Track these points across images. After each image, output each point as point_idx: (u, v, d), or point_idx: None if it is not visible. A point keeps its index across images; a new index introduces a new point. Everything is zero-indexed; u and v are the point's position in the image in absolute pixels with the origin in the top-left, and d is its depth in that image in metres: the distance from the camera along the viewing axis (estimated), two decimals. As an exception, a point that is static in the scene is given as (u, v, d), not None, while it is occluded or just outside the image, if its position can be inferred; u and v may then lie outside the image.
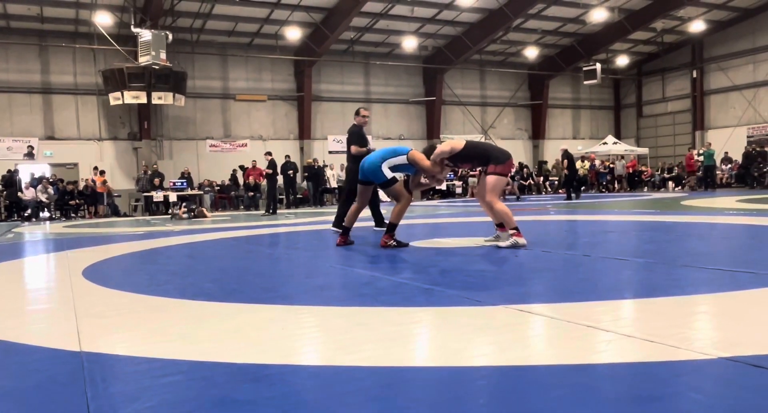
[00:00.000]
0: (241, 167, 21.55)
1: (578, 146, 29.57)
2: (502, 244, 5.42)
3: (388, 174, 5.88)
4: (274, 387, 1.89)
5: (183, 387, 1.92)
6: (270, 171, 16.21)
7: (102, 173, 19.72)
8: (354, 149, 7.77)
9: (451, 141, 5.88)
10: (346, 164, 8.67)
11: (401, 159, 5.91)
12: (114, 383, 2.01)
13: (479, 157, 5.71)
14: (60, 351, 2.46)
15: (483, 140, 26.72)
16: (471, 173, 25.17)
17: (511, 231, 5.43)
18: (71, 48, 21.26)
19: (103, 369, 2.19)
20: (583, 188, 23.30)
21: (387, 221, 5.93)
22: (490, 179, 5.58)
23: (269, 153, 16.86)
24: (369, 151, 7.43)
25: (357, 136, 7.90)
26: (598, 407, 1.62)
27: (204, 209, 16.32)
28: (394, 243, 5.74)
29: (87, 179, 19.73)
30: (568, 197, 16.61)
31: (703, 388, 1.75)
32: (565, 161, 17.05)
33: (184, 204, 16.30)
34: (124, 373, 2.17)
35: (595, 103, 32.53)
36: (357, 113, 8.00)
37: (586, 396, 1.70)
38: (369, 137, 7.93)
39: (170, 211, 16.81)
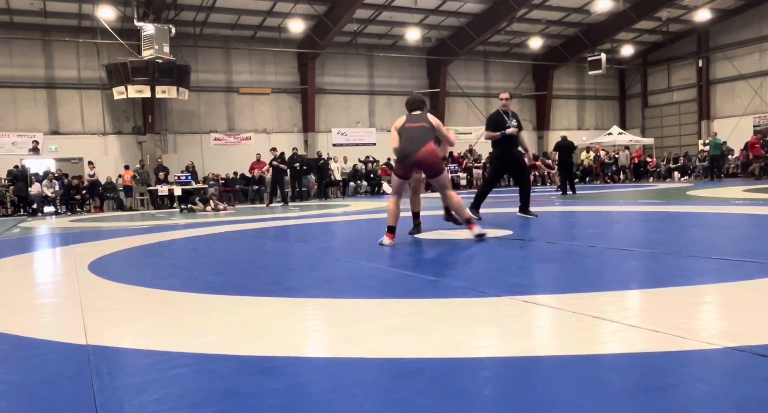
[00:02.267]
0: (238, 177, 21.91)
1: (583, 136, 29.46)
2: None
3: None
4: (279, 380, 1.89)
5: (188, 380, 1.93)
6: (283, 165, 16.71)
7: (127, 168, 20.51)
8: (485, 134, 7.80)
9: (397, 122, 5.55)
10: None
11: None
12: (120, 376, 2.02)
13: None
14: (66, 345, 2.47)
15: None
16: (476, 164, 25.12)
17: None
18: (75, 43, 21.26)
19: (109, 362, 2.20)
20: (586, 179, 23.16)
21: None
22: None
23: (275, 149, 17.14)
24: (504, 134, 7.42)
25: (489, 122, 7.82)
26: (604, 397, 1.62)
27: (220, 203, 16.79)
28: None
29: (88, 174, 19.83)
30: (563, 191, 14.82)
31: (709, 378, 1.74)
32: (554, 152, 16.28)
33: (197, 199, 16.78)
34: (130, 366, 2.18)
35: (600, 93, 32.36)
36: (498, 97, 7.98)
37: (591, 386, 1.70)
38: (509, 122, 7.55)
39: (181, 205, 17.03)
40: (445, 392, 1.73)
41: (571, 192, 14.74)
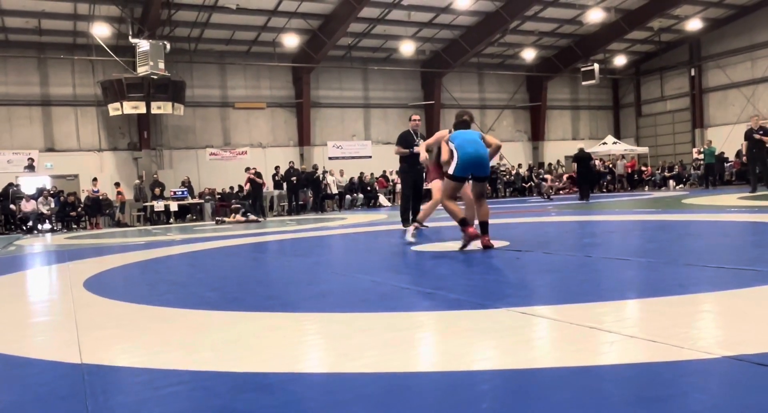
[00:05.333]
0: (235, 192, 22.19)
1: (578, 146, 29.57)
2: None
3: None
4: (275, 396, 1.87)
5: (184, 398, 1.91)
6: (260, 180, 17.30)
7: (117, 184, 20.53)
8: (396, 149, 8.96)
9: None
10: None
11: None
12: (115, 395, 2.00)
13: None
14: (61, 364, 2.45)
15: None
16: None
17: None
18: (70, 60, 21.30)
19: (103, 381, 2.18)
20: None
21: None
22: None
23: (253, 169, 18.19)
24: (412, 152, 8.42)
25: (399, 139, 8.95)
26: (603, 409, 1.60)
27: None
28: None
29: (88, 190, 19.79)
30: (587, 199, 15.89)
31: (708, 388, 1.73)
32: (574, 164, 17.20)
33: (242, 211, 17.34)
34: (125, 385, 2.15)
35: (593, 103, 32.52)
36: (410, 119, 9.21)
37: (590, 398, 1.69)
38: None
39: (216, 218, 17.43)
40: (444, 405, 1.71)
41: (584, 201, 15.29)
